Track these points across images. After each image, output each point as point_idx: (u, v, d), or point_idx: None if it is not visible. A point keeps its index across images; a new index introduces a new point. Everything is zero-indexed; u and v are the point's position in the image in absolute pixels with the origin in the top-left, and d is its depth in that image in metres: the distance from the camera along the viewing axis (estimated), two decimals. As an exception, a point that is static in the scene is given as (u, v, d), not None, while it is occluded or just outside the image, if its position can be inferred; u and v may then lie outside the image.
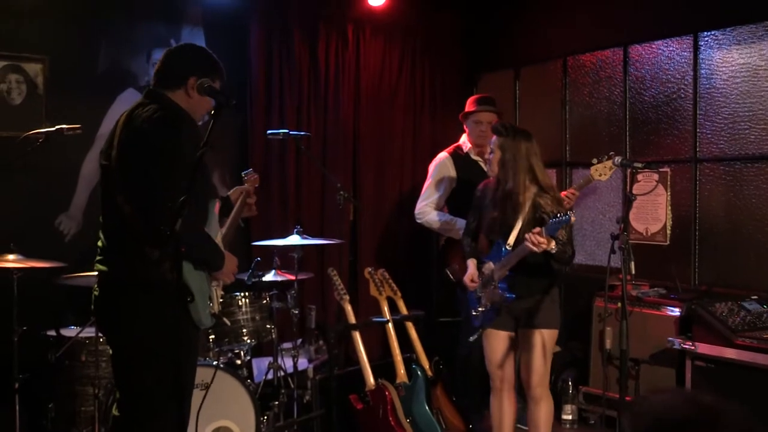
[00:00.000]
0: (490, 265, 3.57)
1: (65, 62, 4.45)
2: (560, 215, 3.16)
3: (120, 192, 2.60)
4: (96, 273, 2.71)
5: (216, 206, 2.87)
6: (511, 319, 3.61)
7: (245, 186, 3.31)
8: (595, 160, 3.83)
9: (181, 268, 2.34)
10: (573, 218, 3.15)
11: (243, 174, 3.67)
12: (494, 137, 3.55)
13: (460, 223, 4.39)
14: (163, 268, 2.39)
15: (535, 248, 3.21)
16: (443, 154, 4.65)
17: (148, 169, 2.51)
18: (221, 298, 2.91)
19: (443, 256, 4.75)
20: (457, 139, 4.75)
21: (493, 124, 3.65)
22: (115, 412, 2.70)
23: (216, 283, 2.78)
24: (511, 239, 3.46)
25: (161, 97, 2.70)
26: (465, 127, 4.62)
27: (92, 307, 2.73)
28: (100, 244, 2.71)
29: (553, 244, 3.24)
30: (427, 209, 4.57)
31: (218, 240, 2.81)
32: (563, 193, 3.71)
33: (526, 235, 3.23)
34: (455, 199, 4.54)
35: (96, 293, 2.70)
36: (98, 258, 2.70)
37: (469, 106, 4.59)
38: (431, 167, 4.66)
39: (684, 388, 3.93)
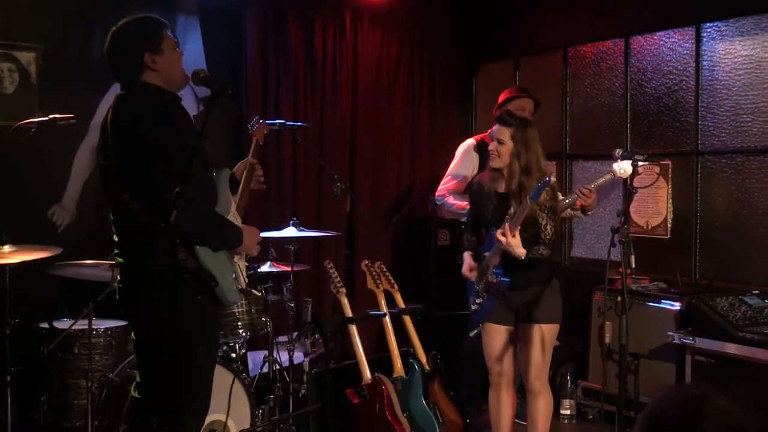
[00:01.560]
0: (487, 255, 3.58)
1: (58, 51, 4.42)
2: (541, 181, 3.23)
3: (125, 189, 2.61)
4: (116, 265, 2.76)
5: (226, 175, 2.86)
6: (511, 313, 3.62)
7: (249, 159, 3.27)
8: (618, 152, 3.70)
9: (183, 254, 2.37)
10: (553, 179, 3.24)
11: (249, 126, 3.58)
12: (496, 127, 3.55)
13: None
14: (179, 257, 2.42)
15: (503, 245, 3.30)
16: (470, 141, 4.71)
17: (149, 163, 2.51)
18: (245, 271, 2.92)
19: (458, 245, 4.77)
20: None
21: (500, 114, 3.63)
22: (134, 393, 2.73)
23: (238, 257, 2.78)
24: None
25: (136, 84, 2.68)
26: None
27: (117, 297, 2.76)
28: (115, 238, 2.75)
29: (522, 252, 3.32)
30: (447, 193, 4.66)
31: (232, 212, 2.81)
32: (577, 191, 3.72)
33: (498, 232, 3.30)
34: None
35: (119, 285, 2.74)
36: (116, 251, 2.74)
37: (509, 93, 4.58)
38: (457, 152, 4.73)
39: (684, 383, 3.97)
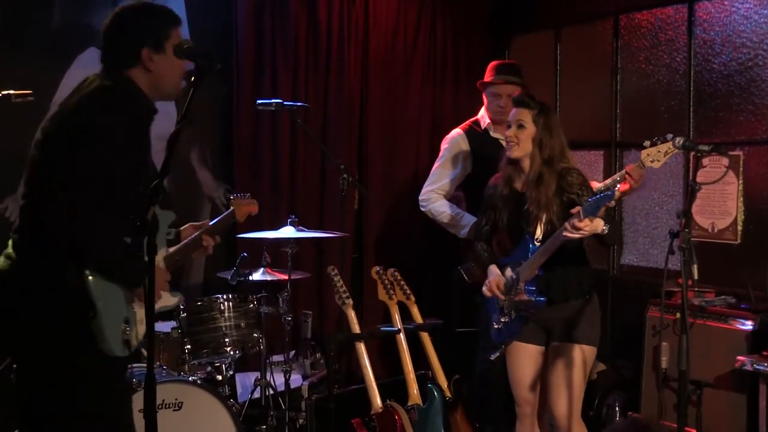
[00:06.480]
0: (510, 270, 3.56)
1: (12, 16, 4.43)
2: (602, 192, 3.15)
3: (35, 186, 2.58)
4: None
5: (167, 219, 2.83)
6: (542, 331, 3.60)
7: (204, 227, 3.08)
8: (647, 143, 3.78)
9: (73, 272, 2.42)
10: (618, 192, 3.13)
11: (231, 197, 3.37)
12: (514, 110, 3.53)
13: (467, 219, 4.36)
14: (57, 271, 2.45)
15: (574, 235, 3.19)
16: (457, 131, 4.64)
17: (58, 156, 2.48)
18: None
19: (459, 252, 4.72)
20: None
21: (517, 96, 3.63)
22: None
23: (139, 303, 2.68)
24: (539, 232, 3.45)
25: (118, 77, 2.68)
26: (484, 98, 4.60)
27: None
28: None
29: (601, 224, 3.19)
30: (434, 196, 4.55)
31: (157, 259, 2.71)
32: (627, 168, 3.70)
33: (566, 223, 3.21)
34: (471, 186, 4.52)
35: None
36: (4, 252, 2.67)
37: (488, 74, 4.56)
38: (442, 146, 4.65)
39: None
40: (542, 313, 3.51)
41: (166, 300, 2.86)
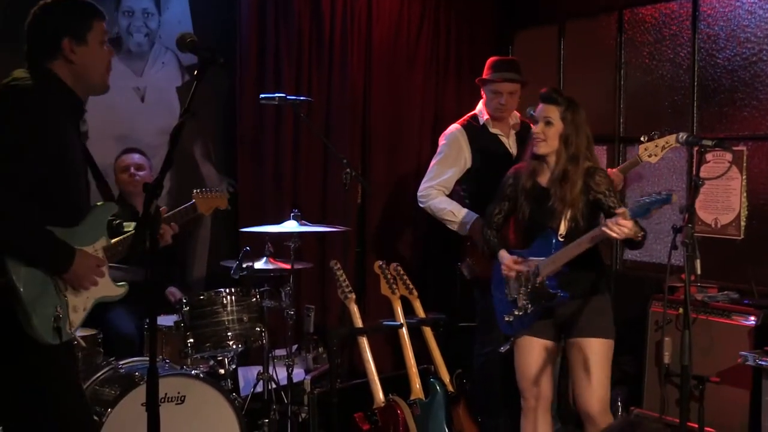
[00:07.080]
0: (532, 261, 3.55)
1: (12, 16, 4.42)
2: (655, 194, 3.13)
3: None
4: None
5: (107, 210, 2.81)
6: (552, 326, 3.60)
7: (167, 212, 3.03)
8: (644, 137, 3.79)
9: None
10: (675, 197, 3.13)
11: (194, 191, 3.27)
12: (541, 106, 3.53)
13: (468, 216, 4.36)
14: None
15: (615, 234, 3.19)
16: (455, 126, 4.63)
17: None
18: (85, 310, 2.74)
19: (458, 249, 4.72)
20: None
21: (544, 92, 3.61)
22: None
23: (73, 292, 2.67)
24: (563, 228, 3.45)
25: (42, 70, 2.70)
26: (482, 93, 4.60)
27: None
28: None
29: (638, 230, 3.21)
30: (433, 192, 4.52)
31: (93, 246, 2.74)
32: (608, 172, 3.73)
33: (608, 221, 3.21)
34: (470, 181, 4.52)
35: None
36: None
37: (486, 70, 4.55)
38: (440, 141, 4.64)
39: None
40: (559, 308, 3.53)
41: (107, 289, 2.77)
